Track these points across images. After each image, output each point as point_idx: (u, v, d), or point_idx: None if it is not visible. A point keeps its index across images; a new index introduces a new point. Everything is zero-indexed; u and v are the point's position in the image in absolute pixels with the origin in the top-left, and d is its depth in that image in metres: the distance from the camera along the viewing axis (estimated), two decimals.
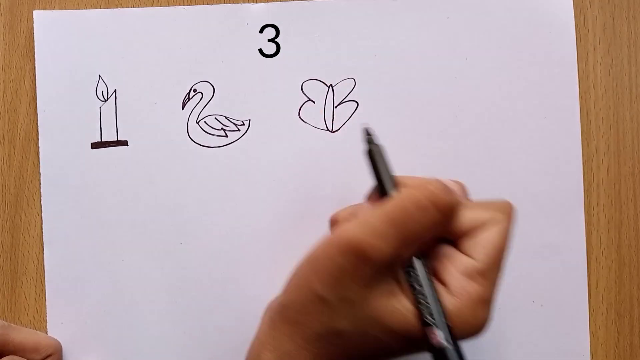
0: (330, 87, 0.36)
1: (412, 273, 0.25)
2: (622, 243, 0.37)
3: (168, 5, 0.36)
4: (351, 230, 0.25)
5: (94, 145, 0.36)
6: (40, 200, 0.35)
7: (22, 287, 0.36)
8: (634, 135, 0.37)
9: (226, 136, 0.36)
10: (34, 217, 0.36)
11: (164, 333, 0.35)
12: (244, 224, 0.35)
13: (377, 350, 0.26)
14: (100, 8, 0.36)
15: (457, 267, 0.26)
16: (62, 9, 0.36)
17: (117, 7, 0.36)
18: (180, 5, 0.36)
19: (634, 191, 0.37)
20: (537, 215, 0.35)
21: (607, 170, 0.37)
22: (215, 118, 0.36)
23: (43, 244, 0.35)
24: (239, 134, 0.36)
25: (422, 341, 0.24)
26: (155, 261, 0.35)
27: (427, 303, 0.24)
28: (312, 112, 0.36)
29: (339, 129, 0.36)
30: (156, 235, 0.35)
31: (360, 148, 0.34)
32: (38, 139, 0.36)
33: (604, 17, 0.37)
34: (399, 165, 0.35)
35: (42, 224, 0.35)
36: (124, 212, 0.35)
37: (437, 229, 0.26)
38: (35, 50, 0.36)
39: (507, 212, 0.27)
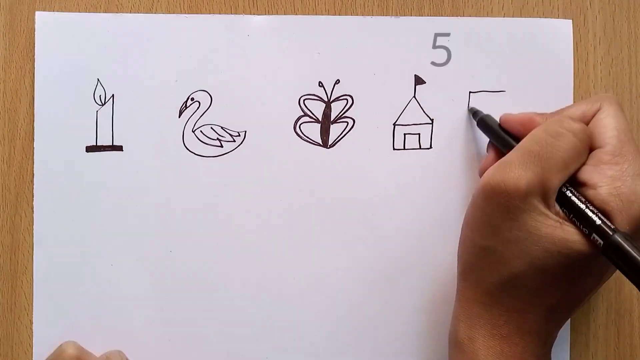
0: (328, 103, 0.36)
1: (567, 196, 0.26)
2: None
3: (169, 12, 0.36)
4: (489, 174, 0.27)
5: (89, 149, 0.36)
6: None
7: (22, 287, 0.36)
8: (634, 136, 0.37)
9: (221, 146, 0.36)
10: (34, 217, 0.36)
11: (150, 340, 0.35)
12: (234, 235, 0.36)
13: (557, 291, 0.27)
14: (101, 9, 0.36)
15: (591, 164, 0.27)
16: (61, 10, 0.36)
17: (117, 10, 0.36)
18: (182, 13, 0.36)
19: None
20: None
21: None
22: (212, 128, 0.36)
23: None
24: (235, 144, 0.36)
25: (594, 256, 0.26)
26: (144, 268, 0.35)
27: (587, 218, 0.25)
28: (308, 127, 0.36)
29: (334, 144, 0.36)
30: (146, 242, 0.35)
31: (354, 163, 0.36)
32: None
33: (604, 17, 0.37)
34: (399, 180, 0.35)
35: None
36: (116, 216, 0.35)
37: (578, 153, 0.27)
38: (36, 51, 0.36)
39: (607, 100, 0.29)
